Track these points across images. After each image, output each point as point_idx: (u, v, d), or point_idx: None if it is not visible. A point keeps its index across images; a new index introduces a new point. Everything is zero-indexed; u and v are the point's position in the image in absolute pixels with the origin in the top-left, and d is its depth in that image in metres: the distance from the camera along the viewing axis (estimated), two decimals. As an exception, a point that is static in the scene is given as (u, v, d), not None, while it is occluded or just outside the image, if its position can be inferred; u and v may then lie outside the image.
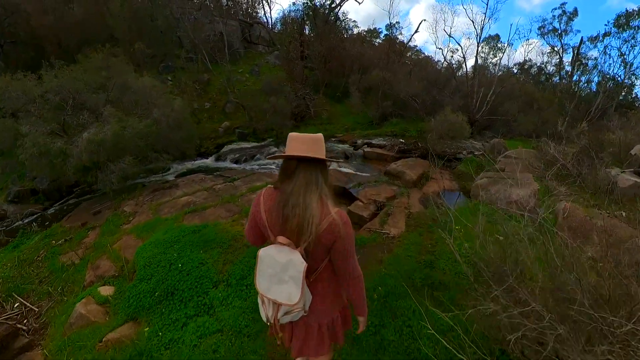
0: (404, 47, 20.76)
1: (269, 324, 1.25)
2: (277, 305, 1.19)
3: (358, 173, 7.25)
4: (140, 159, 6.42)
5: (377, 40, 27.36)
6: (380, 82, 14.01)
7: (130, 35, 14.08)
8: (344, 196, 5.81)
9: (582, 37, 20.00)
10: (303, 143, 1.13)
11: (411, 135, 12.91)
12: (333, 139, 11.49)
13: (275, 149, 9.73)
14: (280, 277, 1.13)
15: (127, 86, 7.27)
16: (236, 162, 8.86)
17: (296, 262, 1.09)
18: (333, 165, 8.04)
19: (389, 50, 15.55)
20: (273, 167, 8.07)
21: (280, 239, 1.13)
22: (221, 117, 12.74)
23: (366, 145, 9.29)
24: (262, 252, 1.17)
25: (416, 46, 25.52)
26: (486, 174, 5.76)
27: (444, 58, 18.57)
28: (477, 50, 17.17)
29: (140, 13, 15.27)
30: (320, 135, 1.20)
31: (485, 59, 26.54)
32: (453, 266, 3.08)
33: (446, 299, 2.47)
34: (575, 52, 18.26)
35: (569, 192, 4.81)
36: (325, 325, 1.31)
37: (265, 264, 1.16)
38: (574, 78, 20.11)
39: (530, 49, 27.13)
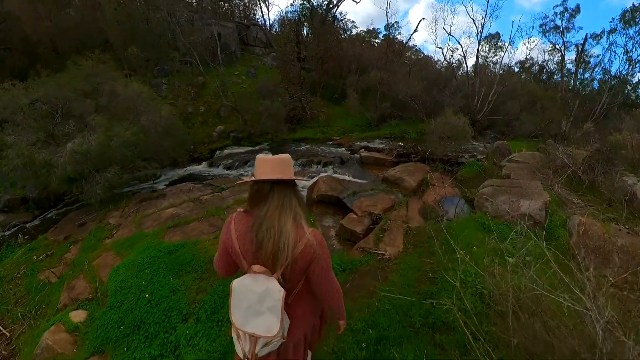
0: (403, 46, 20.49)
1: (245, 359, 1.16)
2: (254, 338, 1.12)
3: (354, 180, 7.00)
4: (127, 168, 6.22)
5: (376, 40, 27.13)
6: (378, 82, 13.76)
7: (124, 39, 13.95)
8: (337, 207, 5.55)
9: (586, 34, 19.55)
10: (275, 165, 1.11)
11: (411, 137, 12.64)
12: (329, 142, 11.26)
13: (270, 154, 9.49)
14: (257, 309, 1.07)
15: (116, 93, 7.08)
16: (228, 168, 8.64)
17: (273, 290, 1.05)
18: (329, 172, 7.81)
19: (387, 50, 15.26)
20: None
21: (255, 267, 1.08)
22: (216, 121, 12.54)
23: (363, 150, 9.03)
24: (236, 284, 1.10)
25: (415, 45, 25.19)
26: (491, 181, 5.48)
27: (444, 57, 18.23)
28: (478, 48, 16.88)
29: (135, 17, 15.14)
30: (287, 155, 1.17)
31: (486, 58, 26.23)
32: (459, 299, 2.78)
33: (452, 346, 2.15)
34: (580, 49, 17.82)
35: (582, 204, 4.52)
36: (301, 342, 1.29)
37: (240, 296, 1.09)
38: (578, 76, 19.63)
39: (532, 47, 26.57)
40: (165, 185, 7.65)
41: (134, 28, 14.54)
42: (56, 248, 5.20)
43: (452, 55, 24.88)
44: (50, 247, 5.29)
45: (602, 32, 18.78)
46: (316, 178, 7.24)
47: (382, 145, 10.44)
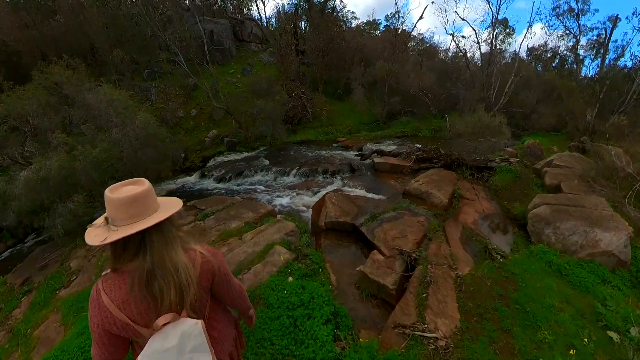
0: (408, 35, 19.15)
1: None
2: None
3: (369, 195, 5.91)
4: (98, 192, 5.21)
5: (376, 32, 25.71)
6: (386, 75, 12.56)
7: (110, 42, 12.97)
8: (353, 237, 4.43)
9: (616, 14, 17.94)
10: (136, 206, 0.89)
11: (425, 135, 11.55)
12: (335, 145, 10.16)
13: (267, 161, 8.44)
14: None
15: (87, 103, 6.07)
16: (221, 180, 7.60)
17: (190, 329, 0.93)
18: (336, 184, 6.74)
19: (395, 38, 13.97)
20: (260, 189, 6.79)
21: (160, 320, 0.90)
22: (209, 125, 11.50)
23: (376, 154, 7.88)
24: (143, 358, 0.89)
25: (421, 34, 23.74)
26: (543, 197, 4.39)
27: (456, 45, 16.91)
28: (493, 34, 15.56)
29: (120, 18, 14.14)
30: (144, 183, 0.97)
31: (494, 46, 24.61)
32: None
33: None
34: (610, 31, 16.29)
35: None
36: (227, 357, 1.20)
37: None
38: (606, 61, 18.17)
39: (550, 33, 24.98)
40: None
41: (119, 29, 13.55)
42: (10, 297, 4.25)
43: (464, 43, 23.39)
44: (6, 296, 4.34)
45: (635, 12, 17.12)
46: (322, 194, 6.20)
47: (394, 147, 9.33)
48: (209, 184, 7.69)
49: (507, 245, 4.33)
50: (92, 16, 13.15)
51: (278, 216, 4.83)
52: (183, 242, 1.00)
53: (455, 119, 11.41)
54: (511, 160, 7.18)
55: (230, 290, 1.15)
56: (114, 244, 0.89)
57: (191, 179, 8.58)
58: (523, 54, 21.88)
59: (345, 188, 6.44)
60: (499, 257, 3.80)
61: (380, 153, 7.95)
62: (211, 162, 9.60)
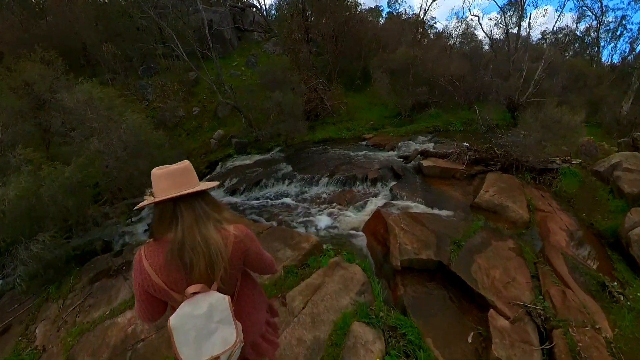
0: (422, 20, 17.48)
1: None
2: (215, 358, 1.00)
3: (433, 211, 4.59)
4: (75, 222, 3.89)
5: (379, 19, 24.01)
6: (411, 62, 11.07)
7: (99, 38, 11.62)
8: (439, 277, 3.21)
9: None
10: (175, 178, 0.99)
11: (457, 129, 10.19)
12: (363, 143, 8.74)
13: (287, 166, 7.06)
14: (207, 331, 0.98)
15: (63, 105, 4.70)
16: (233, 192, 6.24)
17: (217, 302, 0.99)
18: (383, 195, 5.36)
19: (417, 22, 12.39)
20: (286, 204, 5.41)
21: (190, 289, 0.97)
22: (213, 125, 10.10)
23: (421, 155, 6.48)
24: (175, 321, 0.96)
25: (434, 18, 22.00)
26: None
27: (481, 27, 15.26)
28: (521, 15, 13.98)
29: (110, 11, 12.77)
30: (185, 163, 1.05)
31: (513, 29, 22.86)
32: None
33: None
34: None
35: None
36: (259, 344, 1.24)
37: (183, 331, 0.96)
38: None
39: (562, 14, 23.24)
40: (145, 228, 5.34)
41: (109, 22, 12.20)
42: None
43: (473, 26, 21.62)
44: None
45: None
46: (369, 210, 4.85)
47: (431, 145, 7.94)
48: (219, 197, 6.34)
49: (607, 274, 3.45)
50: (80, 10, 11.89)
51: (324, 247, 3.48)
52: (216, 221, 1.03)
53: (486, 112, 10.22)
54: (573, 161, 5.88)
55: (262, 264, 1.18)
56: (155, 212, 1.01)
57: (197, 190, 7.24)
58: (535, 38, 20.18)
59: (397, 201, 5.05)
60: (621, 297, 3.04)
61: (426, 154, 6.55)
62: (218, 169, 8.25)
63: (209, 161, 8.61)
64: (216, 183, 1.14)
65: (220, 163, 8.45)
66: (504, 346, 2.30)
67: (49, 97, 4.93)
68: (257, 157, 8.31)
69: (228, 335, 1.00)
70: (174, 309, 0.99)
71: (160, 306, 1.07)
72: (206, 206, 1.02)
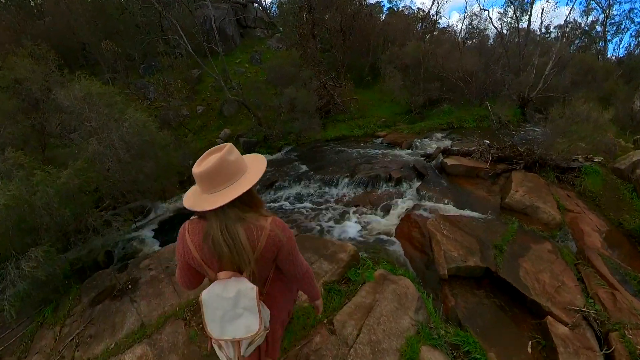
0: (427, 14, 16.97)
1: None
2: (237, 342, 1.05)
3: (464, 213, 4.18)
4: (72, 233, 3.43)
5: (380, 15, 23.51)
6: (422, 57, 10.58)
7: (97, 36, 11.19)
8: (486, 284, 3.04)
9: None
10: (209, 180, 0.93)
11: (470, 126, 9.79)
12: (377, 141, 8.26)
13: (301, 166, 6.58)
14: (233, 314, 1.00)
15: (57, 103, 4.24)
16: (247, 195, 5.78)
17: (246, 290, 0.98)
18: (409, 196, 4.88)
19: (427, 16, 11.89)
20: (306, 208, 4.93)
21: (221, 274, 1.00)
22: (219, 123, 9.63)
23: (443, 154, 6.03)
24: (205, 295, 1.01)
25: (439, 12, 21.52)
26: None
27: (491, 21, 14.75)
28: (531, 8, 13.45)
29: (109, 8, 12.33)
30: (221, 154, 0.94)
31: (515, 23, 22.27)
32: None
33: None
34: None
35: None
36: (281, 327, 1.28)
37: (212, 308, 1.01)
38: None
39: (560, 7, 22.75)
40: (152, 231, 4.91)
41: (107, 20, 11.78)
42: None
43: (477, 21, 21.01)
44: None
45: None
46: (397, 213, 4.40)
47: (449, 142, 7.49)
48: (230, 200, 5.89)
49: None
50: (78, 8, 11.47)
51: (361, 255, 3.01)
52: (244, 220, 0.98)
53: (497, 108, 9.83)
54: (595, 159, 5.62)
55: (294, 268, 1.13)
56: None
57: (205, 193, 6.79)
58: (538, 31, 19.58)
59: (426, 202, 4.59)
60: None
61: (448, 152, 6.10)
62: (227, 170, 7.78)
63: (215, 162, 8.15)
64: (259, 173, 1.00)
65: (227, 164, 7.98)
66: (569, 354, 2.24)
67: (42, 97, 4.46)
68: (268, 156, 7.83)
69: (252, 323, 1.00)
70: (209, 283, 1.03)
71: (198, 277, 1.11)
72: (239, 211, 0.97)
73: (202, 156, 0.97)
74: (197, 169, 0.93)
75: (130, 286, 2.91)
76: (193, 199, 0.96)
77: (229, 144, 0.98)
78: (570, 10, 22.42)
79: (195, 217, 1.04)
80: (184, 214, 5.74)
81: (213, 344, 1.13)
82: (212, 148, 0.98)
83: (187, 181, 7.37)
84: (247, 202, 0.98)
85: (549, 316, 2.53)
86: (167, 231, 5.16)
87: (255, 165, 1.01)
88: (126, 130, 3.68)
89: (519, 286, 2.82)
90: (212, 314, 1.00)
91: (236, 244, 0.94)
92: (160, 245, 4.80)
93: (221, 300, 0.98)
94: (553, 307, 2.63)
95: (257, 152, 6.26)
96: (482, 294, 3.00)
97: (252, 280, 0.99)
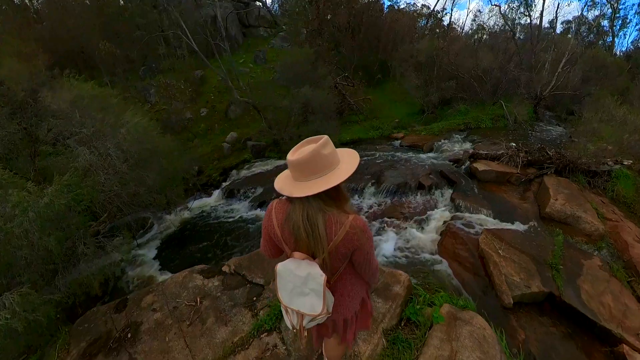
0: (433, 12, 16.35)
1: (294, 330, 1.16)
2: (301, 314, 1.10)
3: (506, 226, 3.65)
4: (56, 263, 2.86)
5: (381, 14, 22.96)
6: (435, 55, 10.01)
7: (96, 39, 10.69)
8: (548, 310, 2.79)
9: None
10: (301, 169, 0.96)
11: (487, 126, 9.26)
12: (395, 143, 7.67)
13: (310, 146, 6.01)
14: (301, 290, 1.06)
15: (44, 105, 3.67)
16: (262, 204, 5.22)
17: (316, 275, 1.01)
18: (443, 205, 4.30)
19: (432, 12, 11.30)
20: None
21: (297, 254, 1.04)
22: (224, 127, 9.07)
23: (472, 159, 5.49)
24: (281, 267, 1.08)
25: (445, 9, 20.95)
26: None
27: (503, 17, 14.21)
28: (543, 2, 12.83)
29: (109, 10, 11.86)
30: (318, 146, 0.94)
31: (519, 19, 21.62)
32: None
33: None
34: None
35: None
36: (349, 319, 1.27)
37: (284, 279, 1.08)
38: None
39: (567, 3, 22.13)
40: (154, 250, 4.34)
41: (107, 22, 11.29)
42: None
43: (482, 18, 20.47)
44: None
45: None
46: (435, 226, 3.83)
47: (469, 145, 6.93)
48: (243, 209, 5.32)
49: None
50: (77, 11, 11.01)
51: (410, 280, 2.42)
52: (325, 213, 0.98)
53: (512, 107, 9.30)
54: (624, 162, 5.13)
55: (368, 267, 1.15)
56: None
57: (211, 201, 6.25)
58: (547, 27, 18.99)
59: (463, 213, 4.03)
60: None
61: (477, 156, 5.55)
62: (234, 176, 7.21)
63: (222, 167, 7.57)
64: (353, 168, 0.98)
65: (235, 170, 7.41)
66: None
67: (28, 99, 3.89)
68: (278, 162, 7.27)
69: (316, 304, 1.04)
70: (285, 258, 1.08)
71: (277, 249, 1.15)
72: (322, 203, 0.97)
73: (299, 144, 1.00)
74: (292, 156, 0.95)
75: (129, 335, 2.32)
76: (282, 183, 1.01)
77: (325, 137, 0.97)
78: (585, 5, 21.64)
79: (284, 197, 1.05)
80: (187, 223, 5.11)
81: (282, 308, 1.18)
82: (310, 138, 0.99)
83: (193, 188, 6.84)
84: (332, 196, 0.99)
85: (624, 344, 2.38)
86: (172, 249, 4.60)
87: (348, 162, 1.01)
88: (123, 137, 3.11)
89: (586, 312, 2.63)
90: (284, 285, 1.08)
91: (314, 232, 0.97)
92: (162, 266, 4.24)
93: (293, 276, 1.04)
94: (625, 333, 2.48)
95: (267, 157, 5.59)
96: (547, 321, 2.71)
97: (323, 268, 1.01)
